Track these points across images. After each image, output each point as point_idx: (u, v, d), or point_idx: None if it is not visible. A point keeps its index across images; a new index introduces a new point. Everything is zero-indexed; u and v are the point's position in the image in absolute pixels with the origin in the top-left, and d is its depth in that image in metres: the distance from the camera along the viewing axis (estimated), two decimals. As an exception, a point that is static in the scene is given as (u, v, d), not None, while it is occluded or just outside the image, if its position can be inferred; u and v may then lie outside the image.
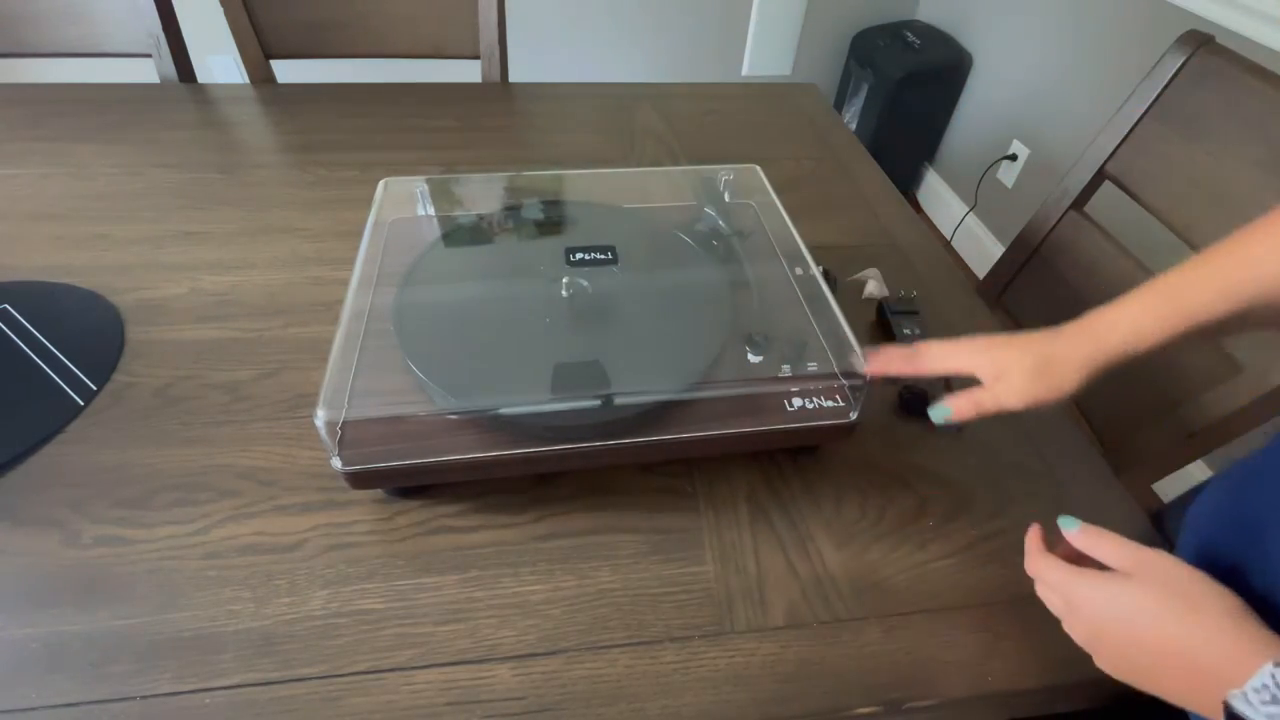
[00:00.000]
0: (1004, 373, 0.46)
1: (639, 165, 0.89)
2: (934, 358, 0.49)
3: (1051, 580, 0.41)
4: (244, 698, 0.40)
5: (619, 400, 0.47)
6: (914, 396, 0.59)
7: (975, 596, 0.48)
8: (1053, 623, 0.47)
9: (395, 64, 1.08)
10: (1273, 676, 0.29)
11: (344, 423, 0.46)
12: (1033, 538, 0.44)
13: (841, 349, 0.52)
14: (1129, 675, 0.38)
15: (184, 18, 1.02)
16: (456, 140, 0.91)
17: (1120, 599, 0.37)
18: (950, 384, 0.61)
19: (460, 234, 0.60)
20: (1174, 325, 0.43)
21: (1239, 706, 0.30)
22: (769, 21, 1.99)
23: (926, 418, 0.56)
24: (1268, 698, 0.29)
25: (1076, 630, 0.40)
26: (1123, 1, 1.44)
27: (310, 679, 0.41)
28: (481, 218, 0.63)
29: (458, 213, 0.66)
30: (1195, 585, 0.35)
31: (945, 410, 0.48)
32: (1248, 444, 0.52)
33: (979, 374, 0.47)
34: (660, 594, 0.46)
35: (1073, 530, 0.41)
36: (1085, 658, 0.45)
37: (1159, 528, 0.53)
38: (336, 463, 0.45)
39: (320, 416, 0.44)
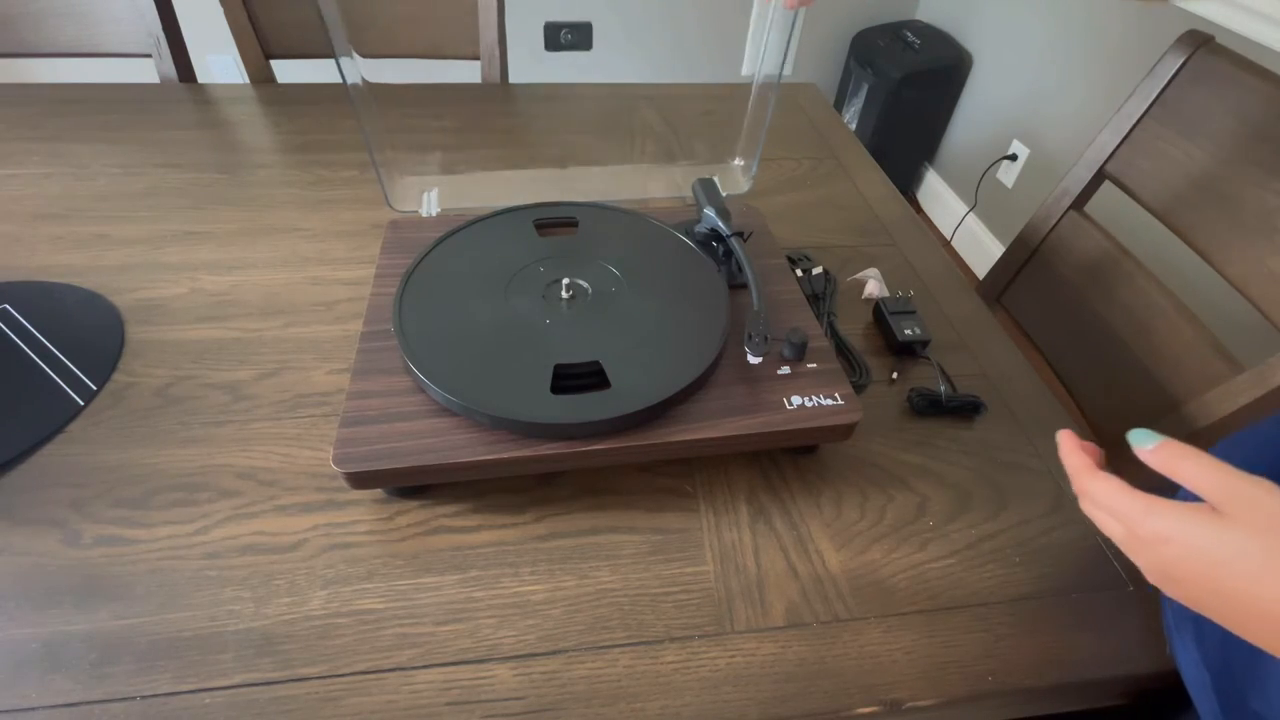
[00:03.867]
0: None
1: (639, 165, 0.89)
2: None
3: (1113, 506, 0.34)
4: (244, 698, 0.40)
5: (619, 400, 0.47)
6: (923, 397, 0.59)
7: (975, 596, 0.48)
8: (1053, 623, 0.47)
9: (395, 64, 1.08)
10: None
11: (344, 423, 0.46)
12: (1071, 446, 0.36)
13: (841, 349, 0.53)
14: (1205, 612, 0.32)
15: (184, 18, 1.02)
16: (456, 140, 0.91)
17: (1212, 545, 0.30)
18: (952, 380, 0.61)
19: (460, 234, 0.61)
20: None
21: None
22: (768, 21, 1.99)
23: (935, 417, 0.55)
24: None
25: (1141, 561, 0.33)
26: (1122, 1, 1.44)
27: (310, 679, 0.41)
28: (482, 218, 0.63)
29: (458, 212, 0.66)
30: None
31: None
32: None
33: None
34: (660, 594, 0.46)
35: (1147, 447, 0.33)
36: (1085, 658, 0.45)
37: None
38: (336, 463, 0.45)
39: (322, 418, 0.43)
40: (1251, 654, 0.28)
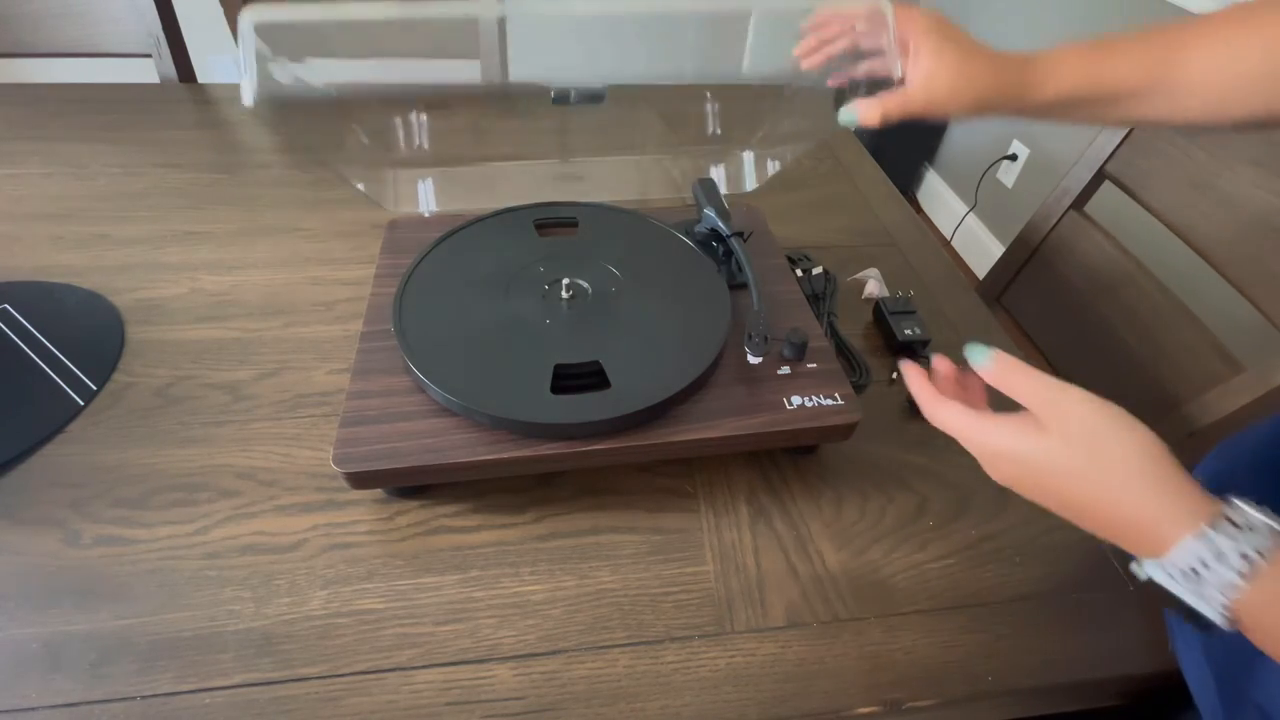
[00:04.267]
0: (919, 52, 0.44)
1: (638, 165, 0.89)
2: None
3: (955, 429, 0.37)
4: (244, 698, 0.40)
5: (619, 400, 0.47)
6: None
7: (975, 596, 0.48)
8: (1053, 623, 0.47)
9: (395, 64, 1.08)
10: (1194, 552, 0.28)
11: (344, 422, 0.46)
12: (917, 380, 0.39)
13: (841, 349, 0.53)
14: (1056, 511, 0.35)
15: (184, 18, 1.02)
16: (457, 140, 0.91)
17: (1033, 454, 0.33)
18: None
19: (460, 234, 0.61)
20: (1090, 80, 0.43)
21: (1160, 579, 0.30)
22: (769, 21, 1.99)
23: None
24: (1191, 575, 0.28)
25: (996, 475, 0.36)
26: (1123, 1, 1.44)
27: (310, 679, 0.41)
28: (482, 218, 0.63)
29: (458, 212, 0.66)
30: (1111, 431, 0.32)
31: (851, 115, 0.47)
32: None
33: (908, 31, 0.46)
34: (660, 594, 0.46)
35: (984, 364, 0.36)
36: (1085, 658, 0.45)
37: None
38: (336, 463, 0.45)
39: (321, 417, 0.43)
40: (1245, 648, 0.29)
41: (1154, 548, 0.30)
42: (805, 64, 0.48)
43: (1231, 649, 0.37)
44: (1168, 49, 0.42)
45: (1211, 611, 0.28)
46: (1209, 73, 0.41)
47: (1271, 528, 0.28)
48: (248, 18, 0.43)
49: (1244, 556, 0.28)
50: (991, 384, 0.37)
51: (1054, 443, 0.33)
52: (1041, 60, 0.44)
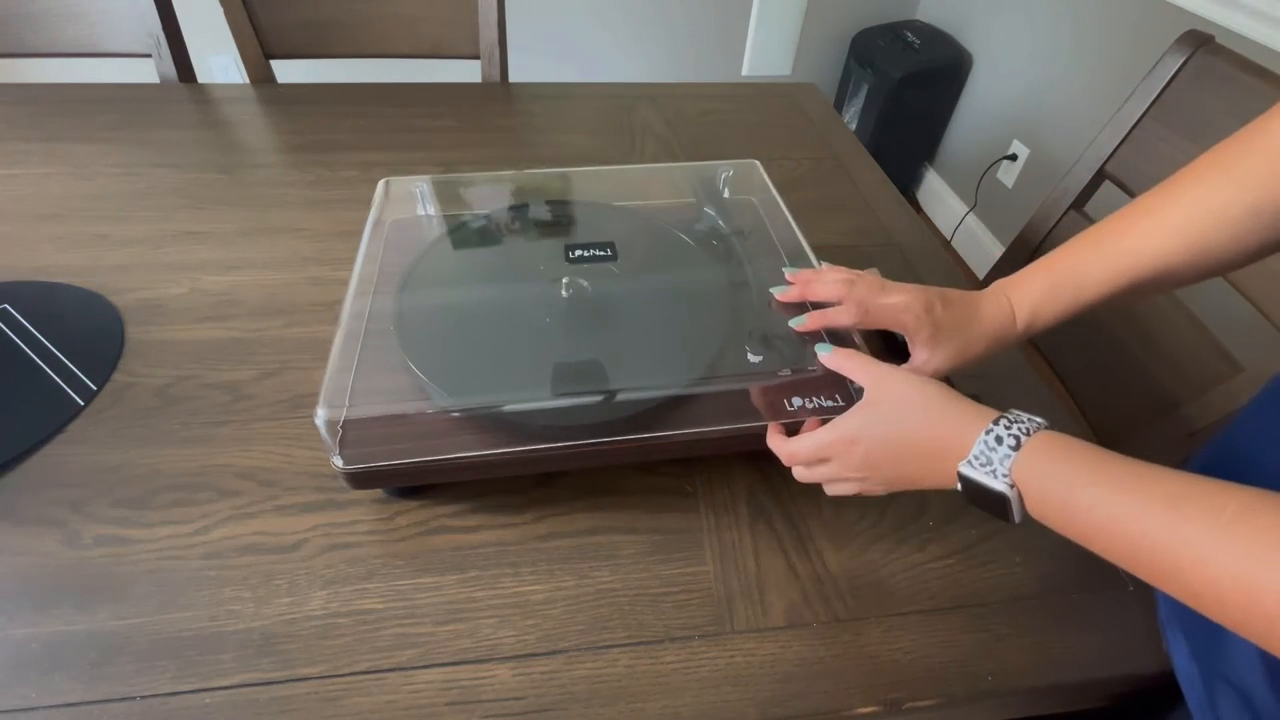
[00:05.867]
0: (916, 349, 0.49)
1: (639, 165, 0.89)
2: (829, 283, 0.50)
3: (807, 451, 0.44)
4: (244, 698, 0.40)
5: (619, 399, 0.47)
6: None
7: (975, 596, 0.48)
8: (1053, 623, 0.47)
9: (395, 64, 1.08)
10: (984, 444, 0.37)
11: (344, 422, 0.46)
12: (773, 436, 0.47)
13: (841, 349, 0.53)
14: (900, 484, 0.43)
15: (184, 18, 1.02)
16: (456, 140, 0.91)
17: (865, 425, 0.42)
18: (950, 379, 0.61)
19: (460, 234, 0.61)
20: (1069, 312, 0.47)
21: (966, 472, 0.37)
22: (769, 21, 1.99)
23: None
24: (984, 460, 0.36)
25: (866, 482, 0.43)
26: (1123, 1, 1.44)
27: (310, 679, 0.41)
28: (481, 217, 0.63)
29: (458, 212, 0.66)
30: (918, 390, 0.41)
31: (825, 348, 0.49)
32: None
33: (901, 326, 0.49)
34: (660, 594, 0.46)
35: (826, 354, 0.47)
36: (1085, 658, 0.45)
37: None
38: (337, 462, 0.45)
39: (320, 416, 0.44)
40: (1218, 631, 0.32)
41: (961, 453, 0.38)
42: (781, 297, 0.53)
43: (1210, 637, 0.39)
44: (1121, 255, 0.45)
45: (1000, 484, 0.36)
46: (1165, 245, 0.44)
47: (1035, 420, 0.37)
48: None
49: (1015, 437, 0.36)
50: (833, 368, 0.47)
51: (879, 409, 0.42)
52: (1022, 310, 0.48)
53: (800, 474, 0.46)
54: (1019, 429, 0.36)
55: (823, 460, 0.44)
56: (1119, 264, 0.45)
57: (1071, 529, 0.34)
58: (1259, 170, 0.40)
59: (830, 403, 0.50)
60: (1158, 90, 0.72)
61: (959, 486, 0.38)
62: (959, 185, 2.03)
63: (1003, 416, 0.38)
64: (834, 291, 0.49)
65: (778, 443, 0.46)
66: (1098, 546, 0.34)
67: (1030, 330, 0.48)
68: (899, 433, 0.41)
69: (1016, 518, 0.37)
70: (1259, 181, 0.40)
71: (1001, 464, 0.36)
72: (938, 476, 0.40)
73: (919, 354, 0.48)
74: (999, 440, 0.36)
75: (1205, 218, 0.42)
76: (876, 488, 0.44)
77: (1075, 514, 0.34)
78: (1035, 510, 0.36)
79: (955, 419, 0.39)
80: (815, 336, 0.51)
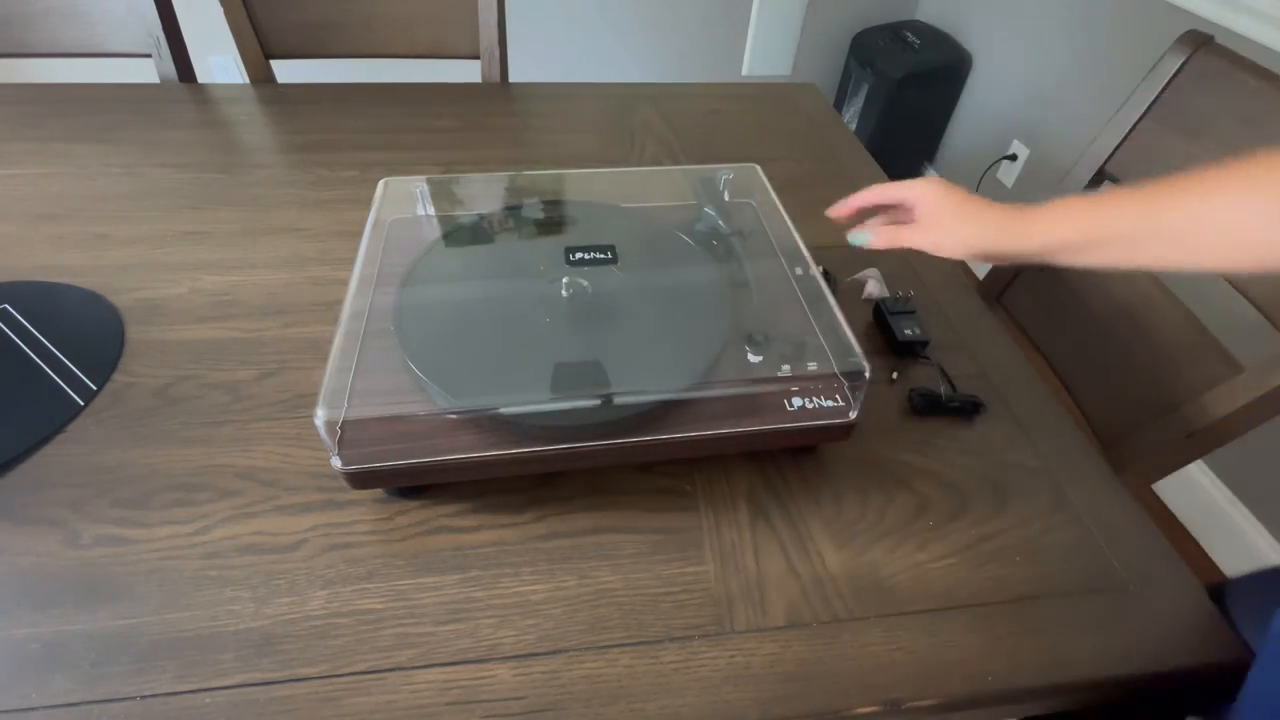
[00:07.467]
0: (937, 217, 0.53)
1: (639, 165, 0.89)
2: (886, 189, 0.57)
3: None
4: (244, 698, 0.40)
5: (619, 400, 0.47)
6: (923, 397, 0.59)
7: (975, 596, 0.48)
8: (1053, 623, 0.47)
9: (395, 64, 1.08)
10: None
11: (344, 422, 0.46)
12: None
13: (841, 349, 0.52)
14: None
15: (184, 18, 1.02)
16: (456, 140, 0.91)
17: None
18: (952, 380, 0.61)
19: (460, 234, 0.61)
20: (1088, 242, 0.48)
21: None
22: (769, 21, 1.99)
23: (935, 417, 0.56)
24: None
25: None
26: (1123, 1, 1.44)
27: (310, 679, 0.41)
28: (481, 217, 0.63)
29: (458, 212, 0.66)
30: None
31: (866, 236, 0.56)
32: (1248, 444, 0.51)
33: (918, 206, 0.54)
34: (660, 594, 0.46)
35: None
36: (1085, 658, 0.45)
37: (1217, 601, 0.49)
38: (336, 462, 0.45)
39: (320, 416, 0.44)
40: None
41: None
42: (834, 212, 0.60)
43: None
44: (1162, 201, 0.46)
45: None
46: (1204, 230, 0.44)
47: None
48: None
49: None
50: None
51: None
52: (1044, 211, 0.49)
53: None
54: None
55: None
56: (1164, 261, 0.47)
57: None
58: None
59: (830, 403, 0.50)
60: (1158, 90, 0.72)
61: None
62: (959, 185, 2.03)
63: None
64: (896, 194, 0.56)
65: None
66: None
67: (1042, 231, 0.50)
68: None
69: None
70: None
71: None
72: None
73: (927, 229, 0.54)
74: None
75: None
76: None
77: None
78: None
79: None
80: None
